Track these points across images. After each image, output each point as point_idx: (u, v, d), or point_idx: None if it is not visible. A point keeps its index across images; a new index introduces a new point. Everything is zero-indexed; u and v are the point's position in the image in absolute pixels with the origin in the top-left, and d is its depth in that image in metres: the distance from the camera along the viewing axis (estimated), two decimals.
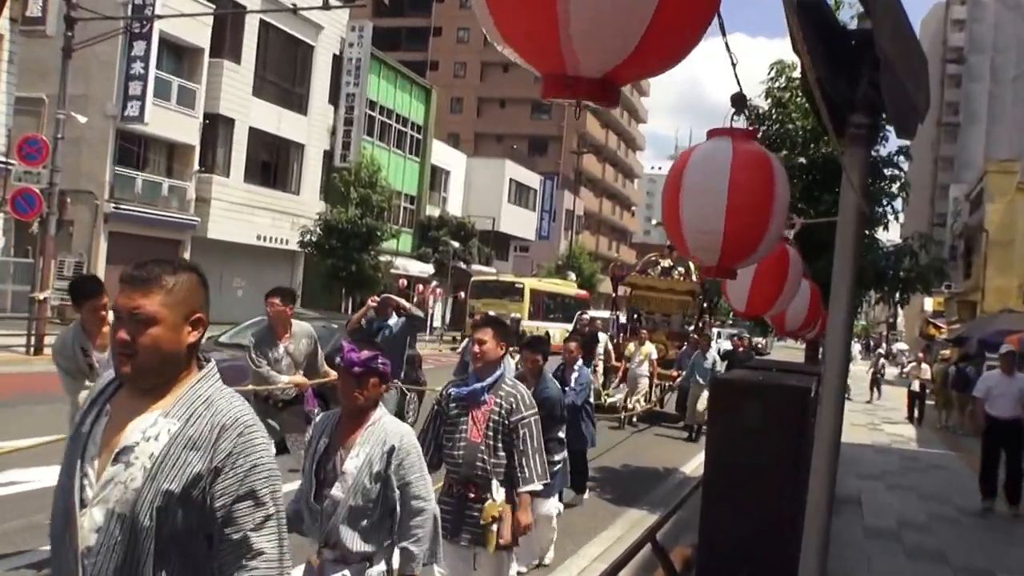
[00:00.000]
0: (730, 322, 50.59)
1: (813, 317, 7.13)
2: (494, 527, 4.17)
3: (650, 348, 15.25)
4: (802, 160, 9.78)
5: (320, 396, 7.48)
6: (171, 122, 25.71)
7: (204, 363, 1.97)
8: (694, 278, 17.27)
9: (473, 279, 35.34)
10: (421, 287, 35.35)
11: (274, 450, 5.94)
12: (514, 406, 4.23)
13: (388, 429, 3.15)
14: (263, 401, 6.64)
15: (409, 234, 39.63)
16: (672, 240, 3.17)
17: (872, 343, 61.90)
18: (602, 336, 16.55)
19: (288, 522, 2.11)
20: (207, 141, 27.60)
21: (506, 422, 4.22)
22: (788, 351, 45.37)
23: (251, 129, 29.29)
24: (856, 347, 47.47)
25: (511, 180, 49.71)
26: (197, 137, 26.92)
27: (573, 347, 7.95)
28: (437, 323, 36.00)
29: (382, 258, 29.56)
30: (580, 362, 7.95)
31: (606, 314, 22.14)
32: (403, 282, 33.29)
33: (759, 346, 46.48)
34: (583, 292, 40.22)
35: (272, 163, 31.26)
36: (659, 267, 17.98)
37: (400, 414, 11.10)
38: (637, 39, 1.71)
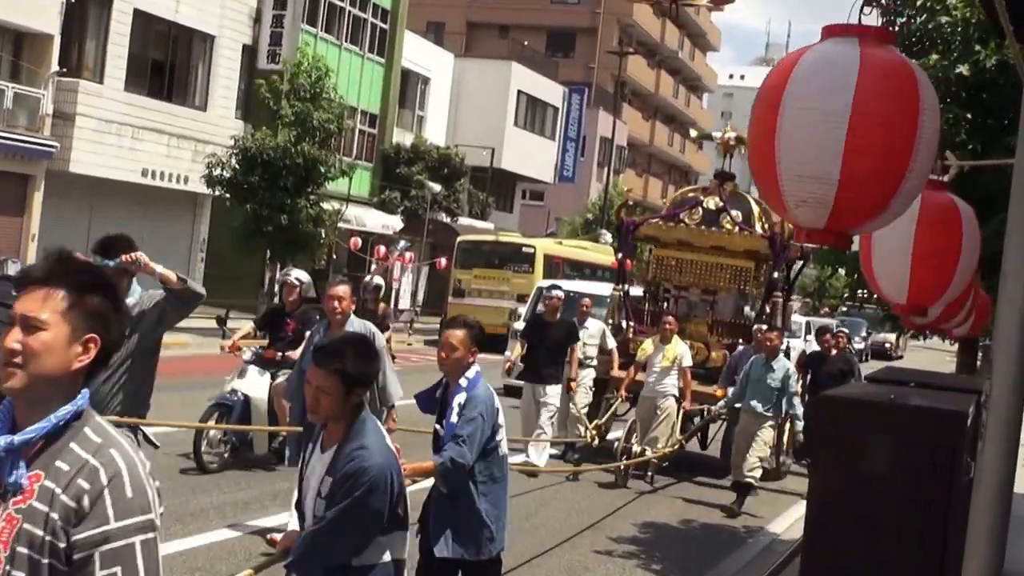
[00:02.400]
0: (843, 308, 50.67)
1: (968, 305, 7.10)
2: None
3: (681, 349, 13.21)
4: (961, 70, 9.67)
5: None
6: (18, 0, 25.63)
7: None
8: (758, 229, 14.87)
9: (460, 239, 35.35)
10: (383, 250, 35.35)
11: None
12: (88, 502, 2.49)
13: None
14: None
15: (368, 170, 39.63)
16: (761, 188, 3.12)
17: None
18: (592, 323, 14.60)
19: None
20: (72, 29, 27.52)
21: (59, 542, 2.50)
22: (929, 354, 45.49)
23: (136, 12, 29.20)
24: None
25: (520, 93, 49.62)
26: (57, 23, 26.81)
27: (456, 340, 5.87)
28: (406, 303, 36.08)
29: (327, 205, 29.54)
30: (475, 369, 5.95)
31: (605, 289, 18.88)
32: (356, 241, 33.32)
33: (887, 347, 46.59)
34: None
35: (166, 63, 31.16)
36: (700, 210, 15.14)
37: (200, 461, 10.71)
38: None
